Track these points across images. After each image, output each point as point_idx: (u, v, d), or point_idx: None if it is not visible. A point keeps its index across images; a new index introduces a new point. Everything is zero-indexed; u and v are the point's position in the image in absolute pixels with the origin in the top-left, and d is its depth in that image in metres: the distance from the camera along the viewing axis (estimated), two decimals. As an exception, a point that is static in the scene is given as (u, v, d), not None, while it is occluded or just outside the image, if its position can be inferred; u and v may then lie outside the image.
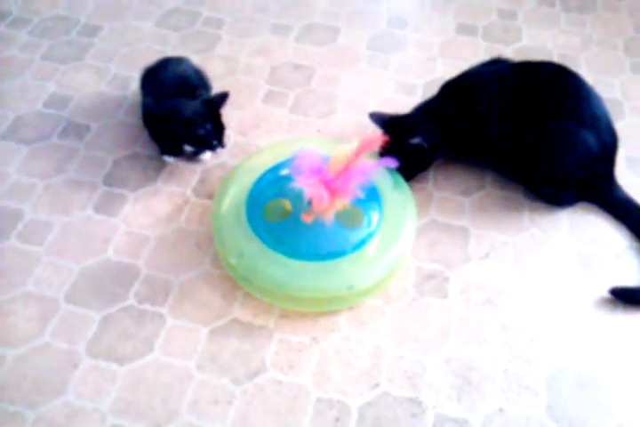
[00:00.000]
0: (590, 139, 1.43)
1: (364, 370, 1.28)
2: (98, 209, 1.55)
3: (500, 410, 1.22)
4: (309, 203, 1.30)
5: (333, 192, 1.28)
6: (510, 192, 1.58)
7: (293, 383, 1.26)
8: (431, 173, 1.62)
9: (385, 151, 1.45)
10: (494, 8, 2.13)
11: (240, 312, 1.37)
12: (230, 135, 1.62)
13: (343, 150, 1.32)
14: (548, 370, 1.27)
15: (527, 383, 1.26)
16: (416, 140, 1.48)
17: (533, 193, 1.56)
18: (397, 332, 1.33)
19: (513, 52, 1.95)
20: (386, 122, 1.56)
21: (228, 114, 1.60)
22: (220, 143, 1.58)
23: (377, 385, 1.26)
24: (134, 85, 1.80)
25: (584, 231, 1.50)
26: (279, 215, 1.41)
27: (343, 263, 1.32)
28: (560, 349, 1.31)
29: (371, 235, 1.35)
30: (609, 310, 1.36)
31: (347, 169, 1.29)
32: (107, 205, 1.56)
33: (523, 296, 1.39)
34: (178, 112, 1.52)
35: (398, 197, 1.43)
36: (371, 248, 1.34)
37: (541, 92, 1.46)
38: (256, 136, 1.72)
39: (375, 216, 1.39)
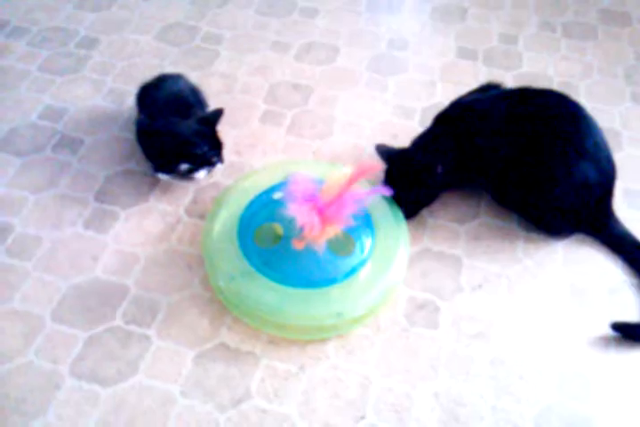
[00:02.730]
0: (589, 170, 1.41)
1: (350, 401, 1.26)
2: (88, 225, 1.53)
3: (487, 448, 1.20)
4: (301, 230, 1.29)
5: (325, 220, 1.27)
6: (505, 222, 1.56)
7: (278, 412, 1.24)
8: (426, 200, 1.60)
9: (392, 187, 1.40)
10: (495, 32, 2.12)
11: (227, 337, 1.35)
12: (225, 155, 1.60)
13: (337, 176, 1.31)
14: (537, 408, 1.25)
15: (515, 421, 1.23)
16: (439, 169, 1.46)
17: (529, 223, 1.54)
18: (386, 363, 1.31)
19: (513, 78, 1.94)
20: (391, 155, 1.53)
21: (224, 132, 1.59)
22: (220, 159, 1.57)
23: (363, 417, 1.24)
24: (130, 100, 1.79)
25: (579, 264, 1.49)
26: (271, 239, 1.40)
27: (333, 291, 1.30)
28: (550, 386, 1.29)
29: (362, 263, 1.34)
30: (601, 348, 1.34)
31: (340, 196, 1.28)
32: (97, 222, 1.54)
33: (514, 330, 1.37)
34: (175, 133, 1.50)
35: (391, 225, 1.42)
36: (362, 276, 1.32)
37: (542, 121, 1.45)
38: (251, 156, 1.70)
39: (367, 244, 1.37)
